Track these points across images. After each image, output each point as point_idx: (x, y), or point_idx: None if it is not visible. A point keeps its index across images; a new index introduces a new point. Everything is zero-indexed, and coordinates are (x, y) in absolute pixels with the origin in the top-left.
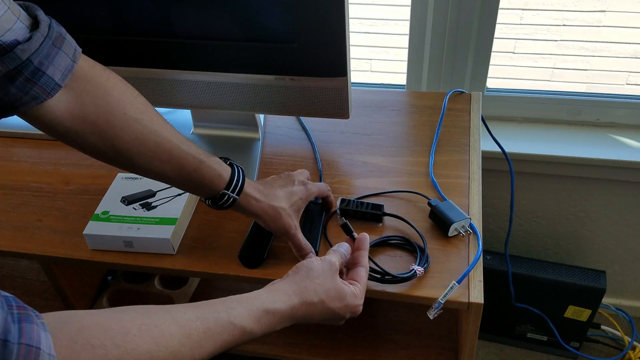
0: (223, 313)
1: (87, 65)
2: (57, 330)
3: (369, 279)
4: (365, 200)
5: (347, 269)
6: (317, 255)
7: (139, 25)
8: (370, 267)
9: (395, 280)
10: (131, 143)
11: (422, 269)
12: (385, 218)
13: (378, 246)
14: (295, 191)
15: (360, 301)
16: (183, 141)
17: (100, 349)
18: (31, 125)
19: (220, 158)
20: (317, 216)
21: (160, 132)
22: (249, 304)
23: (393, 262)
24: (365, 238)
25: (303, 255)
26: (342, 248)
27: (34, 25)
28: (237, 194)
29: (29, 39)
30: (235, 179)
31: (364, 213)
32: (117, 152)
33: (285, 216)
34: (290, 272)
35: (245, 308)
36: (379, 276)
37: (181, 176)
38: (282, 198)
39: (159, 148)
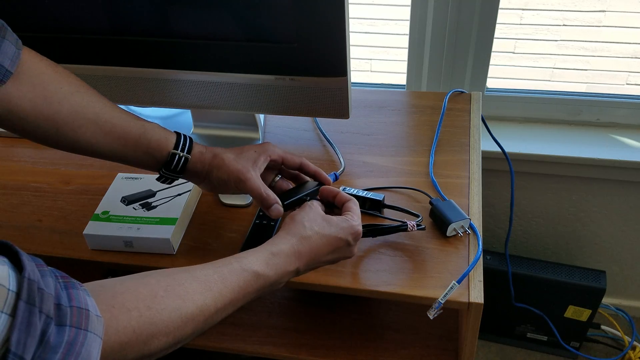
0: (235, 263)
1: (24, 51)
2: (95, 296)
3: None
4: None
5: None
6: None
7: (139, 25)
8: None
9: (385, 230)
10: (71, 117)
11: (415, 223)
12: (385, 212)
13: (377, 234)
14: (247, 147)
15: (355, 222)
16: (122, 110)
17: (135, 311)
18: None
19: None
20: (307, 188)
21: (98, 103)
22: (256, 251)
23: (388, 256)
24: (329, 181)
25: (266, 205)
26: (311, 184)
27: None
28: (188, 152)
29: None
30: (182, 139)
31: (364, 199)
32: (59, 129)
33: (230, 162)
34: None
35: (253, 255)
36: (368, 231)
37: (127, 146)
38: (229, 150)
39: (99, 118)
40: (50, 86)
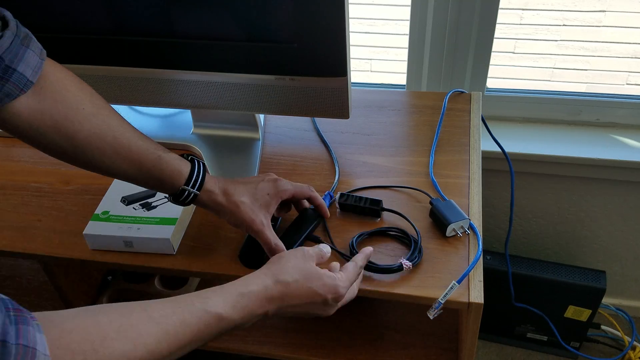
0: (198, 304)
1: (48, 64)
2: (44, 332)
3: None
4: (365, 195)
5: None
6: None
7: (139, 25)
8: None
9: (380, 270)
10: (90, 138)
11: (410, 263)
12: (384, 214)
13: (375, 236)
14: (261, 187)
15: (342, 284)
16: (141, 137)
17: (79, 355)
18: None
19: (184, 156)
20: (310, 221)
21: (118, 127)
22: (223, 291)
23: (388, 256)
24: (367, 249)
25: (273, 254)
26: (322, 245)
27: (4, 25)
28: (198, 189)
29: (0, 37)
30: (195, 174)
31: (363, 208)
32: (76, 148)
33: (245, 210)
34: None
35: (219, 295)
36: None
37: (141, 173)
38: (243, 192)
39: (117, 142)
40: (73, 105)
